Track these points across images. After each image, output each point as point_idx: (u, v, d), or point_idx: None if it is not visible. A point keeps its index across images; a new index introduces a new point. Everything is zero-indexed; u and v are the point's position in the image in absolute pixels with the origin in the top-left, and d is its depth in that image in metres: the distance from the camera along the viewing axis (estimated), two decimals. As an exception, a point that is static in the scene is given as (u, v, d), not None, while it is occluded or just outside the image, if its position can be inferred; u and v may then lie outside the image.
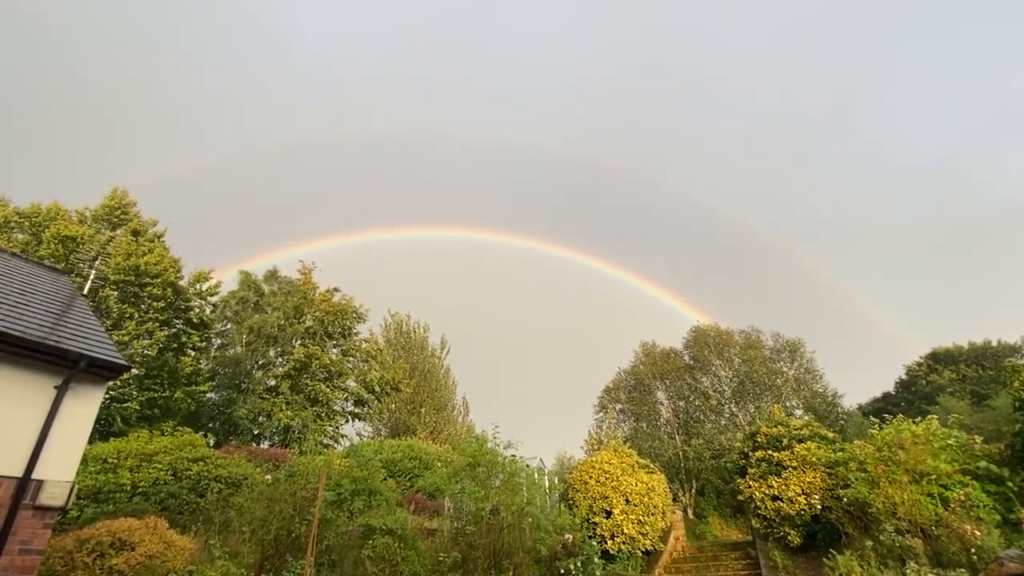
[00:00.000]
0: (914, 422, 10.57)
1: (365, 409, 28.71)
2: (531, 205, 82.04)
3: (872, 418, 11.88)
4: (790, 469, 11.79)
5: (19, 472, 5.53)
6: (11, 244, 20.83)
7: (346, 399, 27.53)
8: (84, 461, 10.80)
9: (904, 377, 35.39)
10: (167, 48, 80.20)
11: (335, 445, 26.03)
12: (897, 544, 8.52)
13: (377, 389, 28.09)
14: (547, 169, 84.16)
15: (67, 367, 6.01)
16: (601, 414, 32.00)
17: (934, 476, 9.31)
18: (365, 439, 29.19)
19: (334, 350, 27.76)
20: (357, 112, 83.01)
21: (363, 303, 29.19)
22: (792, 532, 11.46)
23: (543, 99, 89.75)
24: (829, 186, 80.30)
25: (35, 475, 5.60)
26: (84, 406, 6.24)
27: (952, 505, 8.83)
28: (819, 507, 11.07)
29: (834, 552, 9.15)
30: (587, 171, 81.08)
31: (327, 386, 25.80)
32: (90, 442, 10.37)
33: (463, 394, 39.37)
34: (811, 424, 12.94)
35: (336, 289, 28.86)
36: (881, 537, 8.72)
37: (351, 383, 27.70)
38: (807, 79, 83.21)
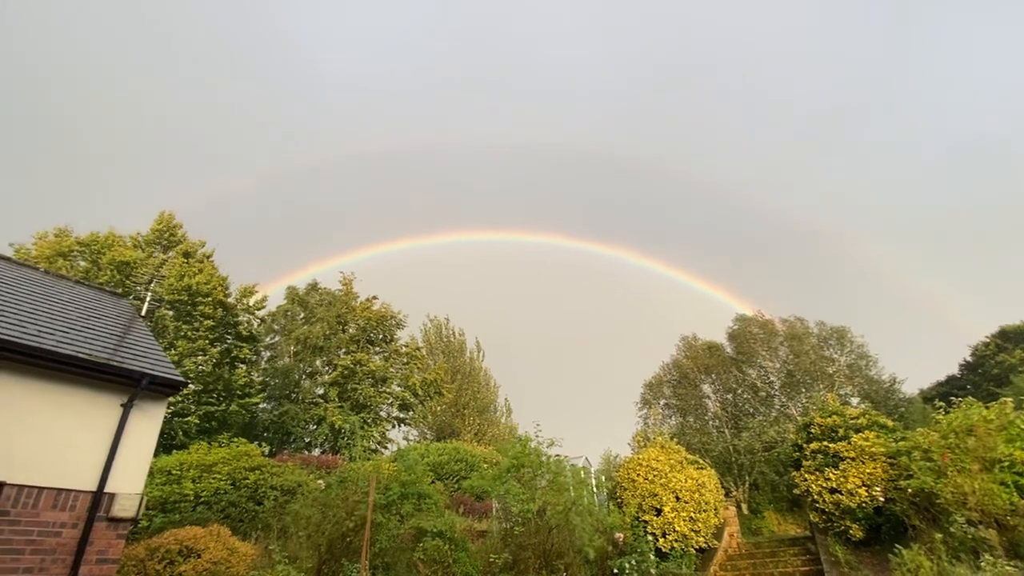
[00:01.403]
0: (985, 406, 9.93)
1: (410, 413, 29.24)
2: (561, 205, 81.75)
3: (938, 402, 11.17)
4: (848, 460, 11.29)
5: (93, 486, 5.89)
6: (74, 271, 22.24)
7: (391, 404, 28.09)
8: (150, 474, 11.38)
9: (970, 359, 33.37)
10: (187, 61, 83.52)
11: (382, 450, 26.60)
12: (969, 536, 8.05)
13: (420, 392, 28.54)
14: (577, 169, 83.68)
15: (131, 385, 6.35)
16: (645, 410, 31.52)
17: (1007, 463, 8.74)
18: (411, 443, 29.73)
19: (376, 356, 28.40)
20: (387, 122, 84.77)
21: (400, 310, 29.83)
22: (853, 526, 10.98)
23: (573, 99, 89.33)
24: (877, 171, 76.84)
25: (107, 488, 5.95)
26: (148, 422, 6.59)
27: (1029, 494, 8.28)
28: (882, 499, 10.57)
29: (900, 546, 8.73)
30: (619, 168, 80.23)
31: (374, 390, 26.41)
32: (155, 455, 10.93)
33: (504, 396, 39.66)
34: (868, 412, 12.34)
35: (375, 297, 29.57)
36: (951, 529, 8.26)
37: (395, 387, 28.26)
38: (847, 65, 79.79)
